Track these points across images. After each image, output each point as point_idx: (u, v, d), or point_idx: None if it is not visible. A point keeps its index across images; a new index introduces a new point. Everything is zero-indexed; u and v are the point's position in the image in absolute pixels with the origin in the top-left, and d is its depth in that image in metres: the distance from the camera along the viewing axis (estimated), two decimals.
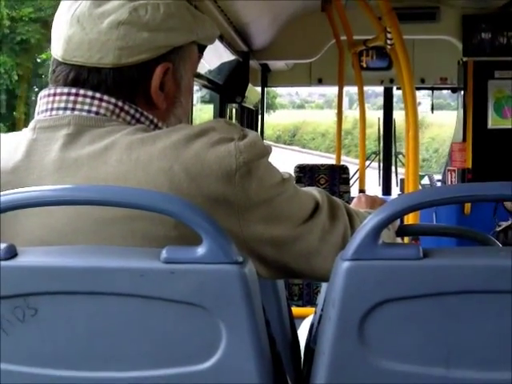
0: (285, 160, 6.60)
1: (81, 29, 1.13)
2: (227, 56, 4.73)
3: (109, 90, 1.15)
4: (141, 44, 1.14)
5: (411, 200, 1.02)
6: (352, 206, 1.60)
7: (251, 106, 6.30)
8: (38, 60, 9.34)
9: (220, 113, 5.27)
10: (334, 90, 6.16)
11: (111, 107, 1.14)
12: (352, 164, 6.82)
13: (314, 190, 1.24)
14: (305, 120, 29.70)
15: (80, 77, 1.15)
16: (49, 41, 1.21)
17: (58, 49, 1.17)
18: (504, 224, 4.41)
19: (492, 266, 0.98)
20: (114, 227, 1.06)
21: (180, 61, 1.21)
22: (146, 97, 1.18)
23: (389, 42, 3.77)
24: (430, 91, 6.75)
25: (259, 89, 6.64)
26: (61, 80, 1.16)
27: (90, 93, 1.13)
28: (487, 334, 0.98)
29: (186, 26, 1.20)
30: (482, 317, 0.98)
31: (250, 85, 5.45)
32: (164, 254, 0.97)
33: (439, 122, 20.16)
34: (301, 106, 36.56)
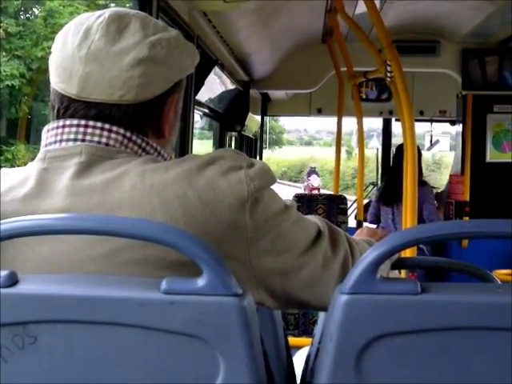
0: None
1: (99, 66, 1.14)
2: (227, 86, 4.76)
3: (129, 124, 1.17)
4: (159, 79, 1.17)
5: (410, 235, 1.02)
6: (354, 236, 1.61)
7: (250, 135, 6.32)
8: None
9: (220, 141, 5.30)
10: (343, 127, 6.11)
11: (120, 138, 1.16)
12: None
13: (314, 218, 1.26)
14: (312, 156, 28.71)
15: (102, 113, 1.16)
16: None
17: (71, 87, 1.16)
18: None
19: (490, 303, 0.98)
20: (126, 253, 1.06)
21: (181, 90, 1.25)
22: (156, 128, 1.20)
23: (389, 74, 3.79)
24: (450, 126, 6.70)
25: (259, 117, 6.67)
26: (81, 116, 1.17)
27: (99, 124, 1.15)
28: (484, 370, 0.98)
29: (189, 58, 1.24)
30: (480, 353, 0.98)
31: (249, 113, 5.48)
32: (164, 284, 0.97)
33: None
34: (309, 143, 36.34)
